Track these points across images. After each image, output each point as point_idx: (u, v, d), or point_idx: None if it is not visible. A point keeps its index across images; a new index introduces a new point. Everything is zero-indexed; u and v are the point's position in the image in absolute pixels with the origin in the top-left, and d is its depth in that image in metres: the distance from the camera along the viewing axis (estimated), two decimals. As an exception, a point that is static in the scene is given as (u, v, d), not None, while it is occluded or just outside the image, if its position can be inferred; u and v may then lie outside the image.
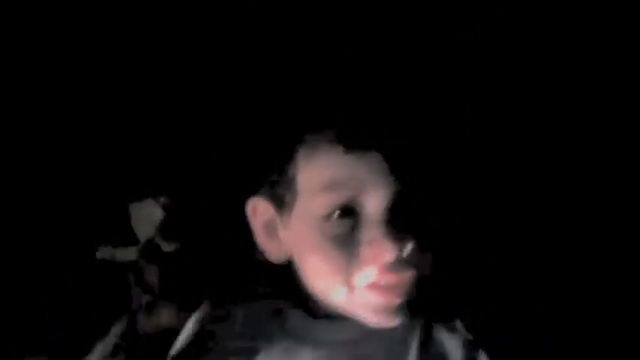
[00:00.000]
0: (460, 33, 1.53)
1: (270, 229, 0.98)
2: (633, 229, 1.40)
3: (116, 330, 1.36)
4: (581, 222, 1.42)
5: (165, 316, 1.32)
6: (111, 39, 1.57)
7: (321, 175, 0.91)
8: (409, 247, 0.88)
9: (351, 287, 0.90)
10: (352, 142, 0.89)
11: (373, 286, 0.89)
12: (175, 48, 1.57)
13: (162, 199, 1.33)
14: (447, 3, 1.54)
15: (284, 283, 1.15)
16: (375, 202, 0.91)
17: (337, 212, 0.90)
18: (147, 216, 1.33)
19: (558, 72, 1.53)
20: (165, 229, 1.33)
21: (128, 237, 1.38)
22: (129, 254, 1.33)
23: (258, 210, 1.00)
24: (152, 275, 1.33)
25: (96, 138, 1.53)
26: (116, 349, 1.34)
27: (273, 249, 0.99)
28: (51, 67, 1.56)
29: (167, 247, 1.33)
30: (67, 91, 1.56)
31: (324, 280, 0.92)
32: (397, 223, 0.90)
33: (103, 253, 1.34)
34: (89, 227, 1.43)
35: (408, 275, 0.90)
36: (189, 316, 1.31)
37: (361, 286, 0.89)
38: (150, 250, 1.33)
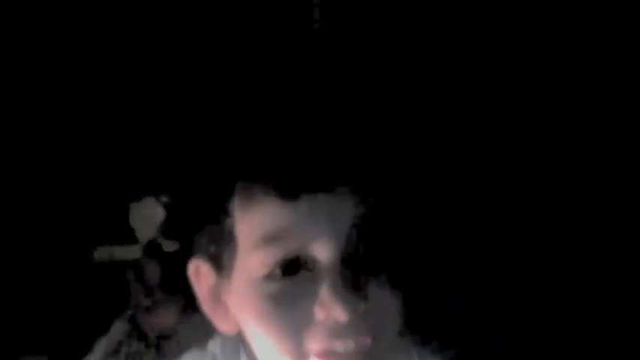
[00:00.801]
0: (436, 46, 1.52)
1: (215, 295, 0.86)
2: (633, 229, 1.40)
3: (117, 328, 1.35)
4: (580, 223, 1.42)
5: (166, 315, 1.32)
6: (111, 40, 1.56)
7: (258, 227, 0.80)
8: (362, 307, 0.76)
9: (302, 356, 0.77)
10: (289, 186, 0.78)
11: (325, 354, 0.77)
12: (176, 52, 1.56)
13: (163, 199, 1.33)
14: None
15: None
16: (323, 253, 0.81)
17: (278, 269, 0.79)
18: (148, 216, 1.32)
19: (548, 72, 1.53)
20: (166, 228, 1.33)
21: (127, 236, 1.37)
22: (130, 253, 1.33)
23: (201, 273, 0.87)
24: (154, 275, 1.33)
25: (95, 138, 1.52)
26: (117, 348, 1.34)
27: (219, 318, 0.86)
28: (54, 68, 1.56)
29: (169, 247, 1.33)
30: (66, 92, 1.56)
31: (271, 350, 0.79)
32: (352, 277, 0.78)
33: (102, 253, 1.33)
34: (89, 227, 1.43)
35: (364, 341, 0.77)
36: (190, 315, 1.32)
37: (312, 354, 0.78)
38: (152, 249, 1.32)
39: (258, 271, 0.78)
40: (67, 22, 1.56)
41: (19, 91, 1.55)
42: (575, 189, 1.46)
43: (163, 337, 1.34)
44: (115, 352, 1.34)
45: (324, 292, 0.77)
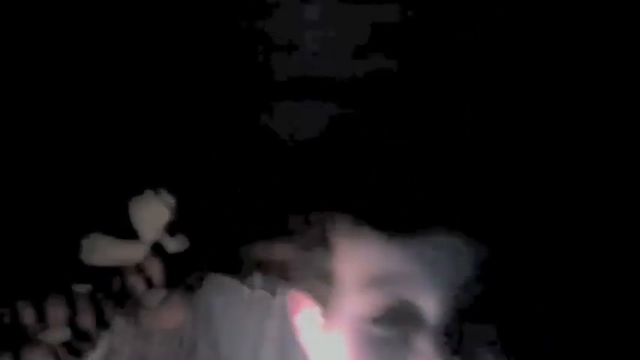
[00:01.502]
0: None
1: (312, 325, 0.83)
2: (633, 229, 1.41)
3: (118, 325, 1.35)
4: (580, 222, 1.43)
5: (170, 316, 1.32)
6: (112, 40, 1.56)
7: (365, 267, 0.74)
8: None
9: None
10: (404, 226, 0.71)
11: None
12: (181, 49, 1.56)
13: (167, 200, 1.32)
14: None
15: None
16: (430, 305, 0.78)
17: (383, 314, 0.72)
18: (152, 216, 1.32)
19: (544, 71, 1.54)
20: (171, 230, 1.33)
21: (128, 235, 1.36)
22: (133, 256, 1.33)
23: (300, 305, 0.82)
24: (157, 276, 1.33)
25: (96, 138, 1.52)
26: (119, 345, 1.34)
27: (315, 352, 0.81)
28: (54, 66, 1.55)
29: (172, 248, 1.33)
30: (66, 90, 1.55)
31: None
32: (456, 335, 0.72)
33: (102, 257, 1.32)
34: (90, 226, 1.43)
35: None
36: (193, 313, 1.32)
37: None
38: (155, 251, 1.32)
39: (363, 312, 0.73)
40: (61, 18, 1.56)
41: (19, 90, 1.54)
42: (574, 189, 1.47)
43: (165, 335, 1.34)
44: (117, 350, 1.34)
45: (425, 346, 0.71)
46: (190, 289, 1.35)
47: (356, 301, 0.79)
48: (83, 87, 1.53)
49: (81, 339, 1.31)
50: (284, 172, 1.51)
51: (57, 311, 1.32)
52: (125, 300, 1.34)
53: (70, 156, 1.50)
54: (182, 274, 1.35)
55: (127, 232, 1.33)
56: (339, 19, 1.60)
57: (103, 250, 1.32)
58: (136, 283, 1.32)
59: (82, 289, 1.33)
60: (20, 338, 1.31)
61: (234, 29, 1.58)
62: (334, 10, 1.59)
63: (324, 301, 0.82)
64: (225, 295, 1.34)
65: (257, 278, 1.37)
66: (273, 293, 1.35)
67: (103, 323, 1.33)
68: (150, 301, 1.31)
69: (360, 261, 0.78)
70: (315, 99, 1.58)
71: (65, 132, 1.52)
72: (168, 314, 1.31)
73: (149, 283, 1.33)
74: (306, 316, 0.84)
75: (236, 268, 1.39)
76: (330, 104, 1.58)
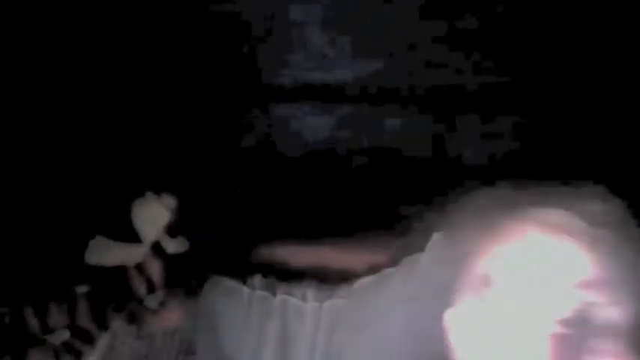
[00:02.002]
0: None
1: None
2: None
3: (116, 327, 1.35)
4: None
5: (170, 316, 1.32)
6: (115, 40, 1.56)
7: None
8: None
9: None
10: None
11: None
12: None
13: (167, 201, 1.33)
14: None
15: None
16: (617, 315, 0.75)
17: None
18: (152, 217, 1.32)
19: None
20: (171, 230, 1.33)
21: (129, 236, 1.37)
22: (134, 256, 1.33)
23: (458, 324, 0.84)
24: (157, 276, 1.33)
25: (99, 141, 1.52)
26: (117, 346, 1.34)
27: None
28: (57, 70, 1.55)
29: (172, 249, 1.33)
30: (66, 91, 1.55)
31: None
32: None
33: (101, 257, 1.32)
34: (91, 227, 1.43)
35: None
36: (194, 314, 1.32)
37: None
38: (155, 252, 1.33)
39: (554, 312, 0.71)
40: (62, 20, 1.56)
41: (20, 89, 1.54)
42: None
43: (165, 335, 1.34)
44: (117, 350, 1.34)
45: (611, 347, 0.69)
46: (191, 289, 1.35)
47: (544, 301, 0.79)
48: (86, 91, 1.53)
49: (81, 339, 1.31)
50: (284, 173, 1.51)
51: (59, 312, 1.33)
52: (126, 301, 1.34)
53: (73, 159, 1.50)
54: (183, 276, 1.35)
55: (129, 234, 1.33)
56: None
57: (105, 251, 1.32)
58: (137, 284, 1.32)
59: (82, 289, 1.33)
60: (23, 338, 1.31)
61: (235, 32, 1.58)
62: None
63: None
64: (225, 295, 1.34)
65: (257, 279, 1.37)
66: (274, 294, 1.36)
67: (103, 323, 1.33)
68: (150, 301, 1.31)
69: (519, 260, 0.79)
70: (314, 101, 1.58)
71: (68, 135, 1.53)
72: (168, 314, 1.31)
73: (150, 284, 1.33)
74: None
75: (237, 269, 1.39)
76: (331, 107, 1.58)
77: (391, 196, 1.53)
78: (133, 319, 1.35)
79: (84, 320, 1.32)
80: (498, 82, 1.56)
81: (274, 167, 1.53)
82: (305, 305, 1.34)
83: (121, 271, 1.35)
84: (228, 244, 1.41)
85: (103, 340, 1.35)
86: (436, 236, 1.30)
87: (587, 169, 1.48)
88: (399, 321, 1.26)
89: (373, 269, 1.37)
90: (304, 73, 1.60)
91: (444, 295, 1.28)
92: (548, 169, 1.47)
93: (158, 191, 1.36)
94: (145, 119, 1.54)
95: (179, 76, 1.56)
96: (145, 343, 1.35)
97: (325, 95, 1.60)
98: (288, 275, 1.40)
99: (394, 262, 1.35)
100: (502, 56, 1.56)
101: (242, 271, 1.39)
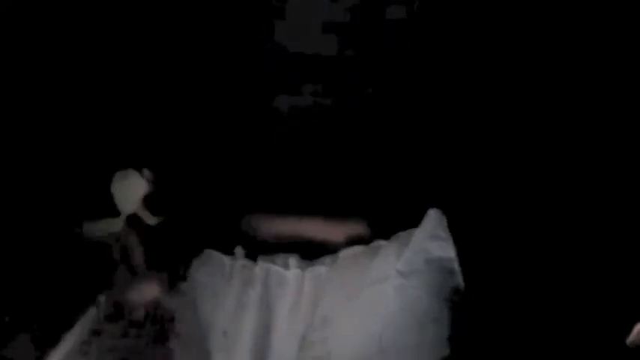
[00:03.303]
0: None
1: None
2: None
3: (89, 317, 1.34)
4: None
5: (150, 289, 1.32)
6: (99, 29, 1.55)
7: None
8: None
9: None
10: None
11: None
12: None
13: (146, 172, 1.32)
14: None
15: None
16: None
17: None
18: (130, 189, 1.32)
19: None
20: (149, 202, 1.32)
21: (109, 210, 1.36)
22: (111, 227, 1.33)
23: None
24: (136, 249, 1.33)
25: (76, 113, 1.51)
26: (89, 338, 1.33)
27: None
28: (22, 51, 1.54)
29: (151, 220, 1.33)
30: (45, 68, 1.54)
31: None
32: None
33: (87, 229, 1.32)
34: (71, 202, 1.42)
35: None
36: (175, 288, 1.32)
37: None
38: (133, 223, 1.32)
39: None
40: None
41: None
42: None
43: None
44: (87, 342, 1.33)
45: None
46: (171, 261, 1.34)
47: None
48: (60, 69, 1.52)
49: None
50: (263, 152, 1.51)
51: None
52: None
53: (55, 138, 1.49)
54: (163, 247, 1.35)
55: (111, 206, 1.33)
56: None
57: (88, 224, 1.33)
58: (116, 255, 1.32)
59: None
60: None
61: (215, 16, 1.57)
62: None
63: None
64: (206, 264, 1.35)
65: (239, 249, 1.38)
66: (256, 263, 1.36)
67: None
68: (127, 274, 1.31)
69: None
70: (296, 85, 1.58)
71: (45, 116, 1.52)
72: (147, 287, 1.31)
73: (129, 257, 1.33)
74: None
75: (219, 240, 1.39)
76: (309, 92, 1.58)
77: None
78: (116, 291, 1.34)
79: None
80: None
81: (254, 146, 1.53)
82: (287, 272, 1.36)
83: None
84: (210, 216, 1.41)
85: (85, 319, 1.34)
86: (431, 212, 1.31)
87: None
88: (391, 293, 1.28)
89: (354, 241, 1.38)
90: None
91: (438, 270, 1.28)
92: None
93: (139, 164, 1.36)
94: (127, 101, 1.53)
95: (158, 57, 1.55)
96: (127, 319, 1.34)
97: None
98: (271, 246, 1.40)
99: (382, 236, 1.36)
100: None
101: (224, 242, 1.39)
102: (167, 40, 1.53)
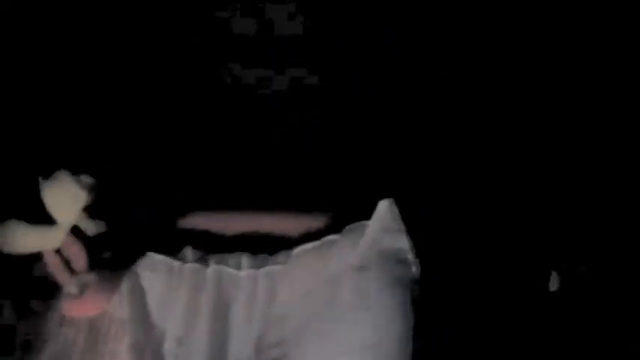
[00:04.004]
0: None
1: None
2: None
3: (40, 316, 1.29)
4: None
5: (94, 301, 1.26)
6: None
7: None
8: None
9: None
10: None
11: None
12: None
13: (84, 180, 1.25)
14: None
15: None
16: None
17: None
18: (68, 199, 1.24)
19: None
20: (90, 211, 1.25)
21: (40, 218, 1.28)
22: (50, 242, 1.25)
23: None
24: (78, 261, 1.26)
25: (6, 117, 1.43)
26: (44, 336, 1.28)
27: None
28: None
29: (92, 231, 1.26)
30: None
31: None
32: None
33: (19, 245, 1.24)
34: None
35: None
36: (121, 297, 1.27)
37: None
38: (74, 234, 1.25)
39: None
40: None
41: None
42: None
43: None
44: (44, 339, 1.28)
45: None
46: (116, 270, 1.29)
47: None
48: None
49: (3, 333, 1.24)
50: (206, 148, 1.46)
51: None
52: (48, 288, 1.28)
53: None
54: (106, 257, 1.29)
55: (40, 215, 1.25)
56: None
57: (19, 238, 1.24)
58: (56, 270, 1.25)
59: None
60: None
61: None
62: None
63: None
64: (153, 270, 1.31)
65: (188, 251, 1.34)
66: (206, 265, 1.33)
67: (26, 313, 1.27)
68: (71, 288, 1.24)
69: None
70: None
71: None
72: (90, 299, 1.26)
73: (70, 269, 1.26)
74: None
75: (165, 242, 1.35)
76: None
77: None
78: (57, 306, 1.28)
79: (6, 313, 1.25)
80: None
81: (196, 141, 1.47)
82: (240, 273, 1.33)
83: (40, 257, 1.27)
84: (154, 218, 1.36)
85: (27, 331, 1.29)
86: (383, 204, 1.30)
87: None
88: (348, 289, 1.26)
89: (310, 235, 1.36)
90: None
91: (393, 262, 1.27)
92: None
93: (70, 168, 1.28)
94: (57, 93, 1.44)
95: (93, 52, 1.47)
96: (72, 328, 1.29)
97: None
98: (222, 245, 1.37)
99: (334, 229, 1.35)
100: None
101: (171, 244, 1.34)
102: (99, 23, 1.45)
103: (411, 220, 1.31)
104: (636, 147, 1.48)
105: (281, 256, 1.34)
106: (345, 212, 1.37)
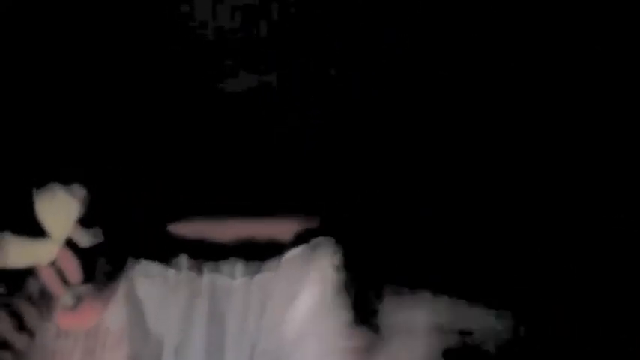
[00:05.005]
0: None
1: None
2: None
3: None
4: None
5: (90, 311, 1.26)
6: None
7: None
8: None
9: None
10: None
11: None
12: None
13: (76, 192, 1.24)
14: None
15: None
16: None
17: None
18: (61, 211, 1.24)
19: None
20: (83, 222, 1.25)
21: (35, 231, 1.28)
22: (44, 255, 1.25)
23: None
24: (72, 273, 1.26)
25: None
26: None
27: None
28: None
29: (86, 242, 1.26)
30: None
31: None
32: None
33: (13, 259, 1.24)
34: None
35: None
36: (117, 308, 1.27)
37: None
38: (68, 246, 1.25)
39: None
40: None
41: None
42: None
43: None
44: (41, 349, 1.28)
45: None
46: (112, 279, 1.29)
47: None
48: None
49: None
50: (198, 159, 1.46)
51: None
52: (44, 301, 1.27)
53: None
54: (101, 268, 1.29)
55: (35, 228, 1.25)
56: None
57: (13, 251, 1.24)
58: (51, 283, 1.25)
59: None
60: None
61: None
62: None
63: None
64: (149, 279, 1.32)
65: (183, 259, 1.34)
66: (201, 273, 1.33)
67: (22, 327, 1.27)
68: (66, 299, 1.24)
69: None
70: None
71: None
72: (86, 310, 1.26)
73: (65, 281, 1.26)
74: None
75: (161, 251, 1.34)
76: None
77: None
78: (53, 319, 1.28)
79: (1, 327, 1.25)
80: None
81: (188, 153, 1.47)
82: (233, 282, 1.33)
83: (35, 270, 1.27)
84: (148, 227, 1.36)
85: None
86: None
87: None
88: (331, 291, 1.29)
89: (302, 238, 1.37)
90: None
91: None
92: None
93: (64, 181, 1.27)
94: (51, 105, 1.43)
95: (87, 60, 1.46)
96: (69, 338, 1.29)
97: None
98: (215, 252, 1.36)
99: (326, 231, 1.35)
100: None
101: (166, 253, 1.34)
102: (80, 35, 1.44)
103: (411, 220, 1.31)
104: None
105: (272, 263, 1.34)
106: (340, 213, 1.38)
